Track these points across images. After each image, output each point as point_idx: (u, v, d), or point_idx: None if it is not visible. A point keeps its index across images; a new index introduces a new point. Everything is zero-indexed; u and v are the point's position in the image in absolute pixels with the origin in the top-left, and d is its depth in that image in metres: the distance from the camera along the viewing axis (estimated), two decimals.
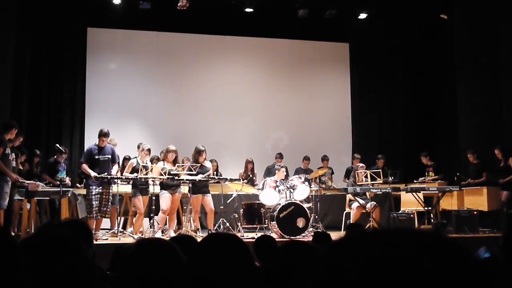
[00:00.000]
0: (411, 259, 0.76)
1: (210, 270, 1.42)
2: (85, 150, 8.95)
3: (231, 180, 9.04)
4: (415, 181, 10.99)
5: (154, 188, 8.60)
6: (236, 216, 8.82)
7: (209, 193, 8.80)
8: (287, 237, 8.10)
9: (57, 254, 1.35)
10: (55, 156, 9.56)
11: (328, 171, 11.51)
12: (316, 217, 9.23)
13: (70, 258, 1.35)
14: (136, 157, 8.83)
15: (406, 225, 8.55)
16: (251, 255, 1.49)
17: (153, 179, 8.37)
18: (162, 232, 8.53)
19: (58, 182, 8.70)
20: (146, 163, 8.48)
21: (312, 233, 8.47)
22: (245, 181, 9.99)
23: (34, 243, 1.40)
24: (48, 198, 8.87)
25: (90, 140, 9.72)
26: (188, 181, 8.48)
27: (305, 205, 8.71)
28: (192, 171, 8.37)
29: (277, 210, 8.32)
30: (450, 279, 0.75)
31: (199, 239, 1.76)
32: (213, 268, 1.42)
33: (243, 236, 8.34)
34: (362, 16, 12.40)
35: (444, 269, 0.76)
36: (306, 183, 9.09)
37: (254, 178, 10.91)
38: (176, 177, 8.36)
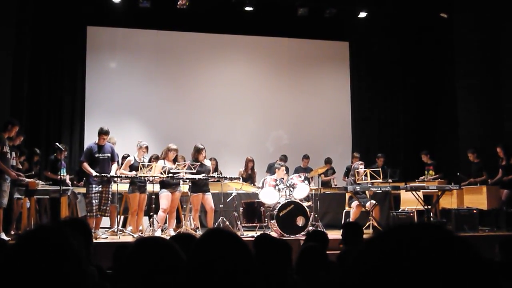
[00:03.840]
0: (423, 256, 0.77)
1: (209, 266, 1.42)
2: (85, 148, 8.94)
3: (231, 178, 9.04)
4: (416, 180, 11.00)
5: (154, 187, 8.60)
6: (236, 214, 8.82)
7: (209, 191, 8.81)
8: (286, 235, 8.10)
9: (45, 252, 1.35)
10: (55, 154, 9.56)
11: (330, 170, 11.51)
12: (316, 215, 9.23)
13: (59, 255, 1.35)
14: (133, 155, 8.80)
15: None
16: (250, 252, 1.48)
17: (153, 178, 8.37)
18: (162, 230, 8.53)
19: (59, 178, 8.67)
20: (144, 161, 8.46)
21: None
22: (245, 183, 9.98)
23: (24, 241, 1.40)
24: (48, 196, 8.87)
25: (90, 139, 9.71)
26: (188, 180, 8.49)
27: (305, 204, 8.70)
28: (192, 169, 8.37)
29: (277, 208, 8.31)
30: (462, 277, 0.76)
31: None
32: (212, 264, 1.42)
33: (243, 235, 8.35)
34: (362, 15, 12.39)
35: (456, 267, 0.76)
36: (306, 181, 9.09)
37: (254, 177, 10.91)
38: (177, 176, 8.37)
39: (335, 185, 11.47)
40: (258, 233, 8.38)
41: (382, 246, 0.81)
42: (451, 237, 0.81)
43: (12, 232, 8.35)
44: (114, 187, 8.39)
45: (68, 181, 9.53)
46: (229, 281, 1.40)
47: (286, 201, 8.45)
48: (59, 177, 8.82)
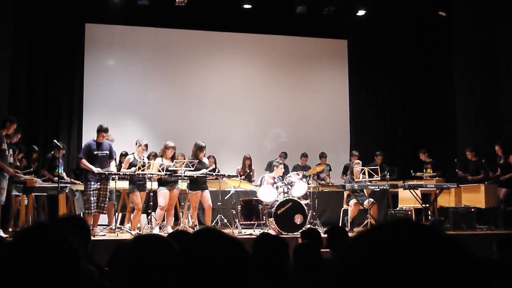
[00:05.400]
0: (411, 255, 0.76)
1: (200, 263, 1.41)
2: (83, 145, 8.93)
3: (229, 176, 9.04)
4: (413, 174, 11.00)
5: (152, 184, 8.59)
6: (234, 212, 8.82)
7: (208, 189, 8.81)
8: (285, 233, 8.10)
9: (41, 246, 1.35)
10: (52, 152, 9.55)
11: (326, 167, 11.50)
12: (314, 213, 9.24)
13: (54, 250, 1.35)
14: (133, 153, 8.82)
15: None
16: (245, 250, 1.47)
17: (150, 175, 8.36)
18: (160, 228, 8.54)
19: (57, 178, 8.69)
20: (143, 159, 8.46)
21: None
22: (243, 177, 9.98)
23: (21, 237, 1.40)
24: (46, 194, 8.86)
25: (88, 136, 9.70)
26: (186, 177, 8.48)
27: (303, 202, 8.71)
28: (190, 167, 8.37)
29: (275, 206, 8.31)
30: (450, 275, 0.75)
31: None
32: (204, 261, 1.41)
33: (241, 233, 8.37)
34: (361, 13, 12.40)
35: (445, 266, 0.76)
36: (304, 179, 9.09)
37: (252, 174, 10.90)
38: (175, 174, 8.36)
39: (331, 183, 11.45)
40: (256, 231, 8.41)
41: (368, 244, 0.81)
42: (439, 235, 0.80)
43: (10, 230, 8.34)
44: (112, 184, 8.38)
45: (66, 177, 9.53)
46: (221, 279, 1.39)
47: (284, 199, 8.45)
48: (55, 178, 8.83)
